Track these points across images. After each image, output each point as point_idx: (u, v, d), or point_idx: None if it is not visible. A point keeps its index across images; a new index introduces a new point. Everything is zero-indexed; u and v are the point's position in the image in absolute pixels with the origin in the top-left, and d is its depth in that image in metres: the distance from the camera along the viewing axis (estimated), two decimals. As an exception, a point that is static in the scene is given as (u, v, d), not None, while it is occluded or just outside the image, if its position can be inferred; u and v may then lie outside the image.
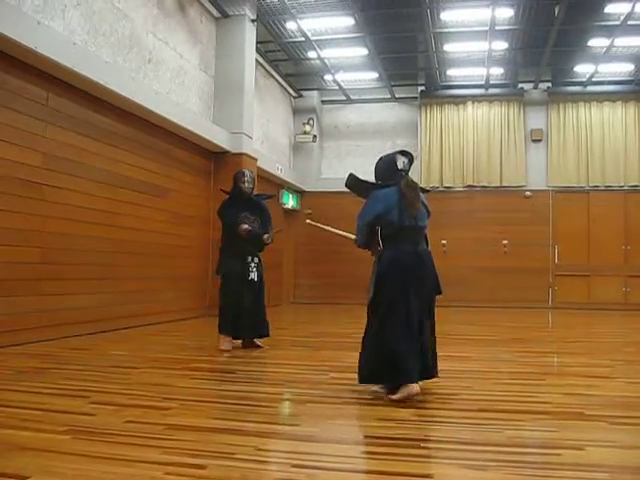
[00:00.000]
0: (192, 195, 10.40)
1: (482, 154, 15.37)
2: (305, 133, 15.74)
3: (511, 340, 8.13)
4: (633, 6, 10.43)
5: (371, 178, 4.53)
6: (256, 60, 12.30)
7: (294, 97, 16.23)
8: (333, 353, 6.61)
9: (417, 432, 3.37)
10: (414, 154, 4.65)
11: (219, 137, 10.76)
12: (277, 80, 14.87)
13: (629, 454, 3.00)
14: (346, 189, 4.66)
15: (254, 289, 6.70)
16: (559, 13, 10.67)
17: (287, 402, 4.43)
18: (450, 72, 14.81)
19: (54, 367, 5.28)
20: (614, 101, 14.93)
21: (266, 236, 6.77)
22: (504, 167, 15.22)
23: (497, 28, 11.58)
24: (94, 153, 7.89)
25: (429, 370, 4.22)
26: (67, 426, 3.28)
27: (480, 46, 12.72)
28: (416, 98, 15.94)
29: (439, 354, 4.41)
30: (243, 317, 6.56)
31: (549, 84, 15.20)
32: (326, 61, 13.67)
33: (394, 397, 4.03)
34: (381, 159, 4.57)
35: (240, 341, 6.74)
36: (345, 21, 11.64)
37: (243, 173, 6.87)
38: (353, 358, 6.01)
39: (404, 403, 3.97)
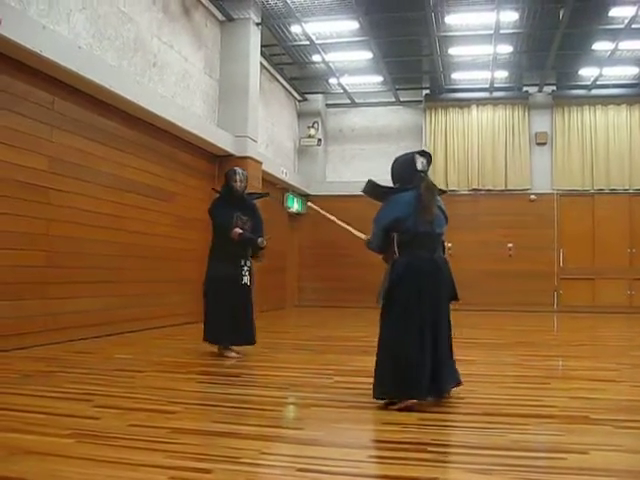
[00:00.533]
0: (197, 198, 10.40)
1: (487, 157, 15.36)
2: (310, 137, 15.75)
3: (516, 344, 8.11)
4: (637, 9, 10.42)
5: (381, 180, 4.41)
6: (261, 64, 12.32)
7: (299, 101, 16.25)
8: (337, 357, 6.60)
9: (422, 436, 3.36)
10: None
11: (224, 140, 10.77)
12: (282, 84, 14.89)
13: (634, 458, 2.99)
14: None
15: (246, 294, 6.42)
16: (564, 16, 10.66)
17: (291, 406, 4.43)
18: (455, 75, 14.80)
19: (59, 370, 5.28)
20: (619, 104, 14.90)
21: (260, 240, 6.41)
22: (509, 170, 15.20)
23: (502, 32, 11.58)
24: (99, 157, 7.92)
25: (441, 386, 4.07)
26: (71, 430, 3.28)
27: (485, 49, 12.72)
28: (421, 101, 15.94)
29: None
30: (233, 323, 6.27)
31: (554, 87, 15.19)
32: (331, 65, 13.68)
33: (394, 407, 3.95)
34: (397, 160, 4.40)
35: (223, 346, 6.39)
36: (350, 25, 11.65)
37: (235, 171, 6.50)
38: (358, 362, 6.02)
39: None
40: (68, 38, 7.14)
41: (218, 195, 6.68)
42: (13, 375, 5.02)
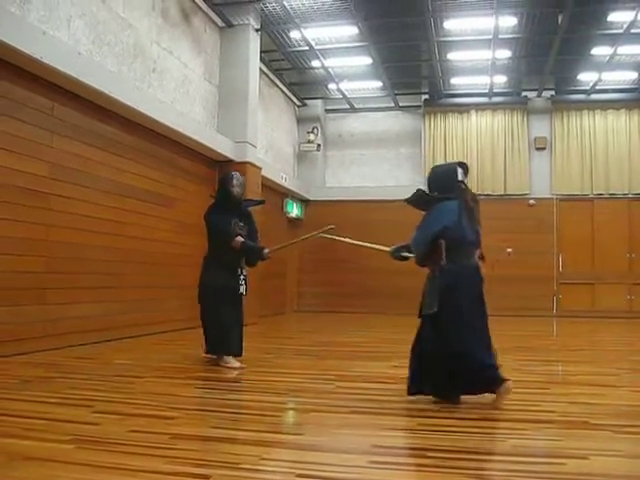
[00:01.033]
0: (196, 204, 10.36)
1: (486, 162, 15.37)
2: (309, 142, 15.76)
3: (515, 348, 8.09)
4: (636, 14, 10.45)
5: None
6: (260, 69, 12.33)
7: (298, 106, 16.27)
8: (338, 362, 6.59)
9: (422, 441, 3.36)
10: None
11: (223, 146, 10.79)
12: (281, 89, 14.91)
13: (634, 463, 2.99)
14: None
15: (241, 304, 6.20)
16: (562, 21, 10.69)
17: (291, 411, 4.43)
18: (454, 81, 14.84)
19: (58, 376, 5.28)
20: (618, 109, 14.92)
21: (266, 251, 6.09)
22: (508, 175, 15.21)
23: (500, 37, 11.60)
24: (99, 162, 7.92)
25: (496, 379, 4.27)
26: (71, 435, 3.28)
27: (483, 54, 12.75)
28: (420, 107, 15.96)
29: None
30: (231, 333, 6.04)
31: (553, 92, 15.21)
32: (330, 70, 13.71)
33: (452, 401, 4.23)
34: (437, 170, 4.64)
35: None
36: (349, 30, 11.68)
37: (232, 176, 6.16)
38: (359, 367, 6.02)
39: (440, 410, 3.96)
40: (68, 44, 7.15)
41: (214, 201, 6.33)
42: (12, 381, 5.01)
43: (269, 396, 4.64)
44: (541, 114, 15.36)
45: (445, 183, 4.43)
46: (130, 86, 8.24)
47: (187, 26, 10.24)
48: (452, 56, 13.01)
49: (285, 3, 10.61)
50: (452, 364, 4.18)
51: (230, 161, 11.01)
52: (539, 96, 15.22)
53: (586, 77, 14.16)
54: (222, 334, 6.02)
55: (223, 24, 11.24)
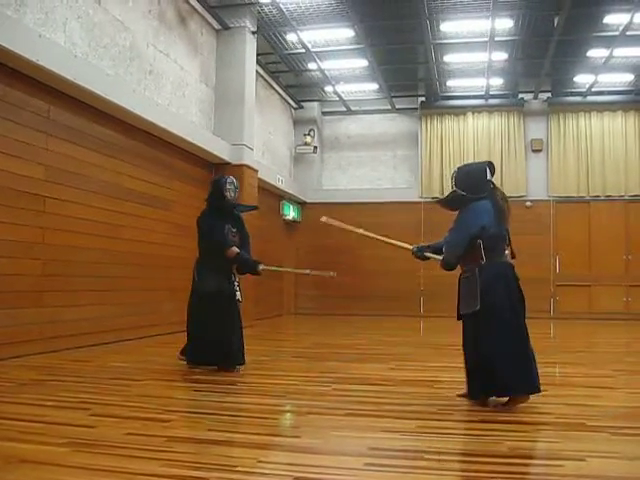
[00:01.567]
0: (193, 206, 10.33)
1: (482, 164, 15.35)
2: (306, 144, 15.77)
3: (513, 350, 8.09)
4: (632, 17, 10.47)
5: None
6: (256, 72, 12.34)
7: (295, 108, 16.28)
8: (335, 364, 6.56)
9: (419, 443, 3.36)
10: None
11: (220, 148, 10.78)
12: (278, 91, 14.91)
13: (631, 465, 2.99)
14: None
15: (238, 311, 5.98)
16: (558, 24, 10.70)
17: (288, 414, 4.42)
18: (450, 83, 14.84)
19: (55, 379, 5.27)
20: (614, 111, 14.95)
21: (261, 267, 5.91)
22: (505, 177, 15.20)
23: (497, 39, 11.61)
24: (95, 165, 7.91)
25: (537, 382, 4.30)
26: (67, 438, 3.27)
27: (480, 57, 12.76)
28: (416, 109, 15.97)
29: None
30: (233, 343, 5.82)
31: (549, 94, 15.23)
32: (326, 72, 13.71)
33: (505, 403, 4.22)
34: (465, 169, 4.62)
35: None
36: (345, 33, 11.69)
37: (227, 180, 5.99)
38: (356, 369, 6.01)
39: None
40: (64, 47, 7.15)
41: (207, 204, 6.11)
42: (8, 384, 5.00)
43: (266, 398, 4.63)
44: (537, 116, 15.38)
45: (475, 182, 4.43)
46: (126, 89, 8.23)
47: (183, 29, 10.24)
48: (448, 58, 13.02)
49: (281, 6, 10.61)
50: (489, 364, 4.19)
51: (227, 163, 11.00)
52: (535, 98, 15.24)
53: (582, 79, 14.19)
54: (224, 347, 5.77)
55: (219, 27, 11.24)
